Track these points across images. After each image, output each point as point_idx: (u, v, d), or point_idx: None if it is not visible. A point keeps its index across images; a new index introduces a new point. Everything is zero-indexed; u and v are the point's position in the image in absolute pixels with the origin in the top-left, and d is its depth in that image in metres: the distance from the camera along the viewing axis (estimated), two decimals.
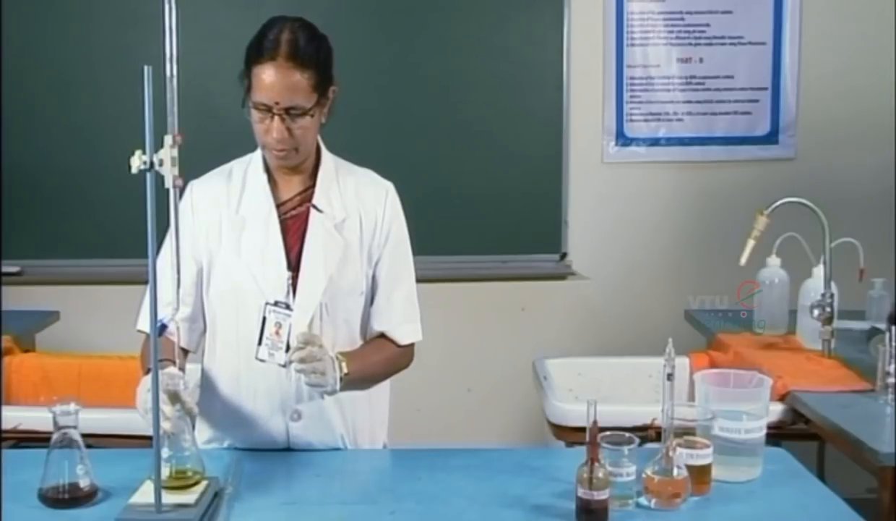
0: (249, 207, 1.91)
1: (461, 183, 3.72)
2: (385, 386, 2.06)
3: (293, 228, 1.91)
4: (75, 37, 3.62)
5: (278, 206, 1.91)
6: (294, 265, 1.88)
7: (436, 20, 3.68)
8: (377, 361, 1.95)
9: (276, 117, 1.80)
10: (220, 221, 1.91)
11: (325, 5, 3.58)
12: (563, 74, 3.71)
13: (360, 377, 1.87)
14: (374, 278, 1.96)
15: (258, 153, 1.94)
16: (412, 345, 2.01)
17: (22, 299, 3.33)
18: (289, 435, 1.91)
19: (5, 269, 3.50)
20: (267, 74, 1.79)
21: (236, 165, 1.97)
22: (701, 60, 3.75)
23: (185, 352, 1.93)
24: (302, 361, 1.75)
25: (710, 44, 3.74)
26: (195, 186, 1.94)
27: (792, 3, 3.71)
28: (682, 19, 3.73)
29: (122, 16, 3.56)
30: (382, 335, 1.98)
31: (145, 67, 1.42)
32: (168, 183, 1.50)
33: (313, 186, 1.93)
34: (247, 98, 1.84)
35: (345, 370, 1.81)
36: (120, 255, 3.39)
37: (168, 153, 1.49)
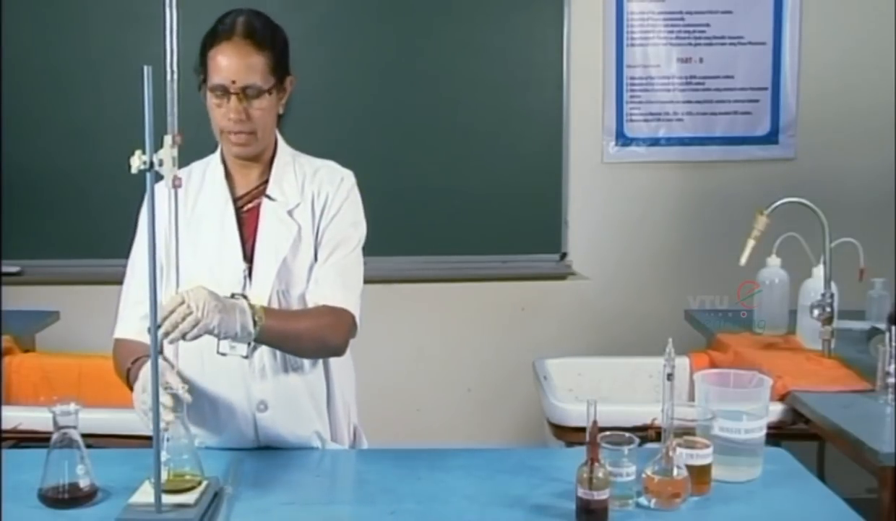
0: (206, 204, 1.92)
1: (461, 183, 3.72)
2: (347, 368, 2.03)
3: (249, 221, 1.91)
4: (75, 37, 3.62)
5: (235, 200, 1.92)
6: (249, 256, 1.89)
7: (436, 20, 3.68)
8: (301, 323, 1.85)
9: (234, 97, 1.82)
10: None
11: (325, 5, 3.58)
12: (563, 74, 3.71)
13: (282, 333, 1.79)
14: (316, 252, 1.92)
15: (217, 153, 1.95)
16: (348, 321, 1.89)
17: (22, 299, 3.33)
18: (256, 427, 1.90)
19: (5, 269, 3.50)
20: (223, 55, 1.82)
21: (196, 165, 1.97)
22: (701, 60, 3.75)
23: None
24: (166, 333, 1.60)
25: (710, 44, 3.74)
26: (155, 191, 1.93)
27: (792, 3, 3.71)
28: (682, 19, 3.73)
29: (122, 16, 3.56)
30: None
31: (145, 67, 1.42)
32: (168, 183, 1.50)
33: (269, 179, 1.93)
34: (203, 87, 1.86)
35: (259, 316, 1.72)
36: (120, 255, 3.37)
37: (168, 153, 1.49)
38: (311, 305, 1.89)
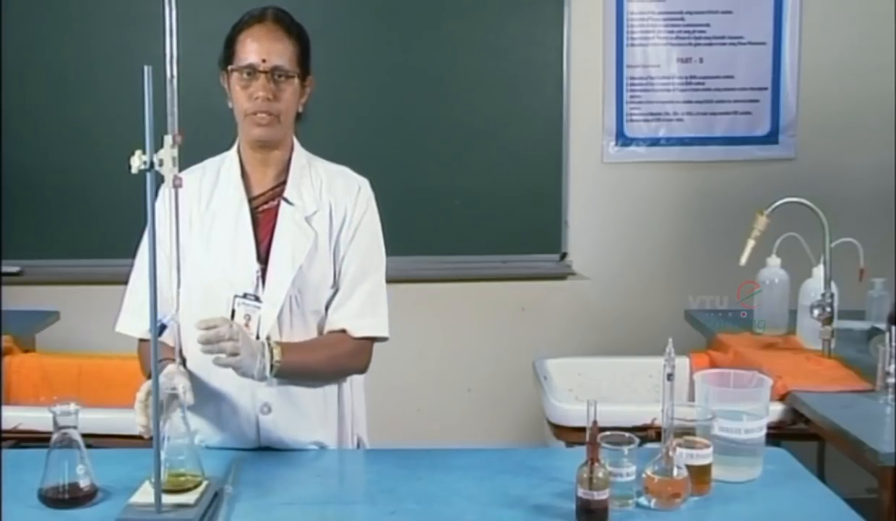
0: (221, 202, 1.91)
1: (461, 183, 3.72)
2: (359, 381, 2.04)
3: (264, 222, 1.91)
4: (75, 37, 3.62)
5: (250, 200, 1.92)
6: (264, 258, 1.88)
7: (436, 20, 3.68)
8: (319, 356, 1.90)
9: (263, 76, 1.84)
10: (189, 217, 1.89)
11: (325, 5, 3.58)
12: (563, 74, 3.71)
13: (299, 369, 1.84)
14: (340, 271, 1.93)
15: (233, 150, 1.95)
16: (370, 344, 1.95)
17: (22, 299, 3.33)
18: (258, 428, 1.90)
19: (5, 269, 3.50)
20: (253, 37, 1.86)
21: (210, 162, 1.98)
22: (701, 60, 3.75)
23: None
24: (207, 341, 1.68)
25: (710, 44, 3.74)
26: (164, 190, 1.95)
27: (792, 3, 3.71)
28: (682, 19, 3.73)
29: (122, 16, 3.57)
30: (343, 331, 1.93)
31: (145, 67, 1.42)
32: (168, 183, 1.50)
33: (286, 181, 1.93)
34: (226, 75, 1.88)
35: (276, 357, 1.78)
36: (120, 255, 3.36)
37: (168, 153, 1.49)
38: (337, 328, 1.91)
